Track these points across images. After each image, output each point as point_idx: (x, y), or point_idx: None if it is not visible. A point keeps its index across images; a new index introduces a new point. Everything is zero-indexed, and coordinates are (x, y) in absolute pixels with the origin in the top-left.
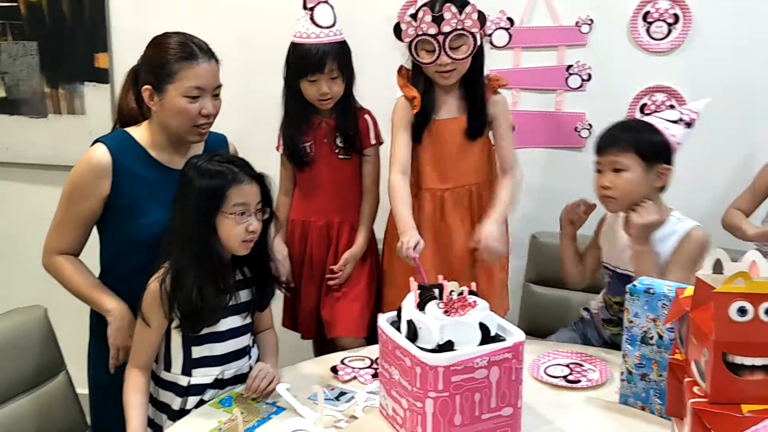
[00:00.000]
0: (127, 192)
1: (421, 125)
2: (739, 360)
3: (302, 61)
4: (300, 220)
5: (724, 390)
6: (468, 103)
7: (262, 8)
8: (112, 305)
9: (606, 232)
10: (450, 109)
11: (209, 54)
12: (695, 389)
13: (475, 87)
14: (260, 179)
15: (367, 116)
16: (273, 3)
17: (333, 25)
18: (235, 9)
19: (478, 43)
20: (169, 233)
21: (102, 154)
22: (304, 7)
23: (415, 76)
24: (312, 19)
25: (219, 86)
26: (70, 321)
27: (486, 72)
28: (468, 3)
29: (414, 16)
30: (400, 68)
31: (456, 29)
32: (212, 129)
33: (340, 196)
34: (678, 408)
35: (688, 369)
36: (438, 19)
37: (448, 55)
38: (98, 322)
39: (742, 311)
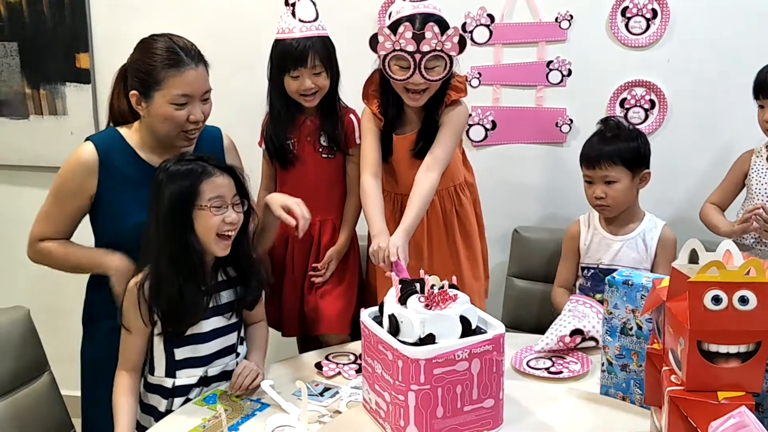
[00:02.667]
0: (113, 192)
1: (385, 141)
2: (714, 348)
3: (284, 56)
4: None
5: (700, 378)
6: (422, 120)
7: (241, 6)
8: (113, 262)
9: (584, 233)
10: (411, 126)
11: (197, 59)
12: (672, 378)
13: (434, 107)
14: (231, 171)
15: (352, 116)
16: (253, 4)
17: (315, 20)
18: (215, 7)
19: (453, 67)
20: (145, 238)
21: (89, 152)
22: (286, 4)
23: (384, 90)
24: (293, 14)
25: (208, 91)
26: (57, 322)
27: (465, 73)
28: (449, 26)
29: (393, 30)
30: (369, 78)
31: (435, 50)
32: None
33: (323, 195)
34: (656, 397)
35: (665, 358)
36: (419, 37)
37: (422, 75)
38: (91, 320)
39: (716, 300)
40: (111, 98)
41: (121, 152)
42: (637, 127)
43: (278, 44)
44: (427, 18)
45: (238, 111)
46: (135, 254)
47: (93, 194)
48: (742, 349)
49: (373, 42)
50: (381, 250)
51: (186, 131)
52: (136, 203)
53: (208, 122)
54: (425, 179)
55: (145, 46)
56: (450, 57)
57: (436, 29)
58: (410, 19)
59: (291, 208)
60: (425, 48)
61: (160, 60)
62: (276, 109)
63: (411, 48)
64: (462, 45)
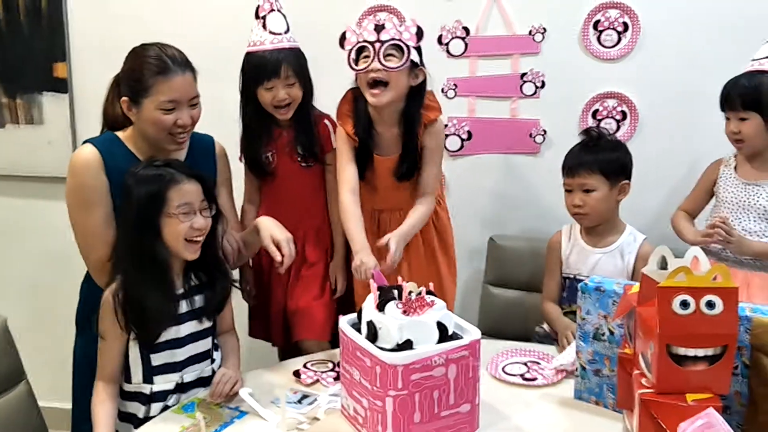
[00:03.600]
0: (115, 192)
1: (362, 161)
2: (682, 351)
3: (257, 69)
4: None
5: (670, 380)
6: (403, 144)
7: (221, 17)
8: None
9: (566, 244)
10: (389, 147)
11: (184, 65)
12: (643, 381)
13: (412, 127)
14: (199, 177)
15: (327, 121)
16: (232, 12)
17: (287, 32)
18: (195, 19)
19: (412, 56)
20: (116, 245)
21: (91, 152)
22: (257, 17)
23: (356, 112)
24: (264, 26)
25: (196, 96)
26: (36, 332)
27: (441, 84)
28: (408, 19)
29: (359, 26)
30: (343, 98)
31: (393, 38)
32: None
33: (306, 205)
34: (628, 400)
35: (636, 362)
36: (379, 28)
37: (380, 62)
38: (85, 319)
39: (684, 304)
40: (105, 105)
41: (120, 153)
42: None
43: (250, 57)
44: (390, 12)
45: (221, 123)
46: None
47: (110, 190)
48: (710, 352)
49: (342, 39)
50: (363, 265)
51: (174, 135)
52: None
53: (202, 130)
54: (423, 204)
55: (135, 54)
56: (408, 47)
57: (396, 21)
58: (374, 14)
59: (280, 244)
60: (384, 37)
61: (148, 67)
62: (250, 123)
63: (372, 38)
64: (419, 36)
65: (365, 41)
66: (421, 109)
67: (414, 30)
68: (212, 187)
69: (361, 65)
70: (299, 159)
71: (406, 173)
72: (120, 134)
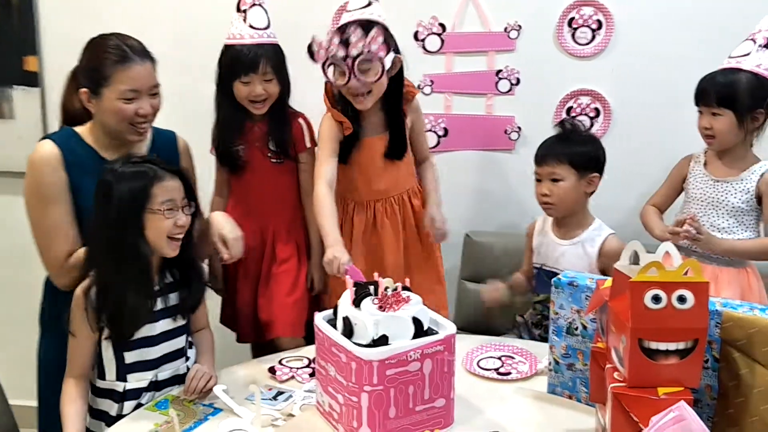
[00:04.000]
0: (76, 188)
1: (350, 145)
2: (654, 345)
3: (235, 62)
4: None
5: (642, 374)
6: (389, 123)
7: (193, 10)
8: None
9: (538, 234)
10: (375, 128)
11: (143, 55)
12: (615, 375)
13: (396, 110)
14: (180, 174)
15: (301, 120)
16: (205, 5)
17: (267, 27)
18: (167, 11)
19: (386, 66)
20: (91, 241)
21: (50, 148)
22: (238, 10)
23: (341, 96)
24: (245, 20)
25: (156, 85)
26: (6, 329)
27: (418, 81)
28: (374, 27)
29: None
30: (327, 86)
31: (362, 52)
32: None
33: (275, 201)
34: (601, 394)
35: (608, 356)
36: (345, 43)
37: (357, 78)
38: (49, 320)
39: (656, 299)
40: (63, 100)
41: (80, 149)
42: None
43: (229, 50)
44: (353, 24)
45: (190, 115)
46: None
47: (69, 186)
48: (681, 346)
49: (310, 52)
50: (335, 260)
51: (135, 124)
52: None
53: (163, 125)
54: (429, 166)
55: (94, 44)
56: (380, 59)
57: (360, 32)
58: (340, 27)
59: (227, 241)
60: (353, 52)
61: (108, 56)
62: (223, 115)
63: (341, 54)
64: (389, 44)
65: (334, 57)
66: (401, 89)
67: (381, 39)
68: (192, 184)
69: (339, 80)
70: (270, 155)
71: (397, 151)
72: (78, 129)
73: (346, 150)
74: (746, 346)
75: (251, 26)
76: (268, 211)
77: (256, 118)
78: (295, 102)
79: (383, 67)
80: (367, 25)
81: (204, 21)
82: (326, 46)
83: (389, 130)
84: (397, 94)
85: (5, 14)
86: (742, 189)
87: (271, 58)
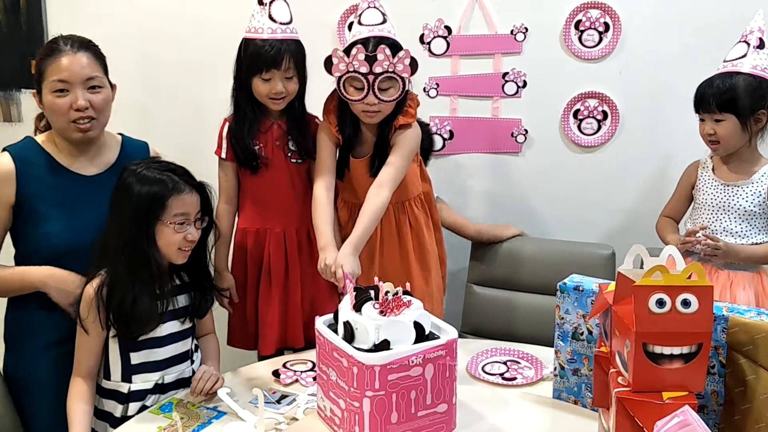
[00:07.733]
0: (32, 198)
1: (341, 162)
2: (658, 350)
3: (257, 57)
4: (254, 228)
5: (646, 379)
6: (376, 144)
7: (200, 14)
8: (40, 276)
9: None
10: (367, 146)
11: (77, 46)
12: (619, 379)
13: (385, 129)
14: (201, 188)
15: (317, 121)
16: (212, 9)
17: (290, 22)
18: (174, 15)
19: (407, 87)
20: (104, 238)
21: (5, 162)
22: (260, 3)
23: (342, 110)
24: (269, 14)
25: (92, 78)
26: None
27: (423, 83)
28: (401, 48)
29: (347, 52)
30: (331, 95)
31: (387, 71)
32: (134, 137)
33: (298, 202)
34: (604, 398)
35: (612, 360)
36: (371, 59)
37: (376, 96)
38: (12, 337)
39: (660, 303)
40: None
41: (38, 158)
42: (590, 138)
43: (249, 44)
44: (380, 41)
45: (197, 116)
46: (56, 261)
47: (12, 203)
48: (685, 350)
49: (328, 64)
50: (328, 267)
51: (74, 121)
52: (56, 208)
53: (163, 127)
54: (376, 195)
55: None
56: (402, 79)
57: (388, 51)
58: (364, 42)
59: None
60: (378, 69)
61: (41, 53)
62: (243, 112)
63: (364, 69)
64: (414, 67)
65: (357, 72)
66: (399, 114)
67: (408, 61)
68: (210, 197)
69: (355, 95)
70: (290, 153)
71: (378, 168)
72: (39, 138)
73: (339, 167)
74: (752, 351)
75: (274, 20)
76: (292, 213)
77: (274, 115)
78: None
79: (404, 87)
80: (394, 46)
81: (206, 22)
82: (348, 60)
83: (374, 150)
84: (393, 116)
85: (14, 18)
86: (753, 192)
87: (295, 54)
